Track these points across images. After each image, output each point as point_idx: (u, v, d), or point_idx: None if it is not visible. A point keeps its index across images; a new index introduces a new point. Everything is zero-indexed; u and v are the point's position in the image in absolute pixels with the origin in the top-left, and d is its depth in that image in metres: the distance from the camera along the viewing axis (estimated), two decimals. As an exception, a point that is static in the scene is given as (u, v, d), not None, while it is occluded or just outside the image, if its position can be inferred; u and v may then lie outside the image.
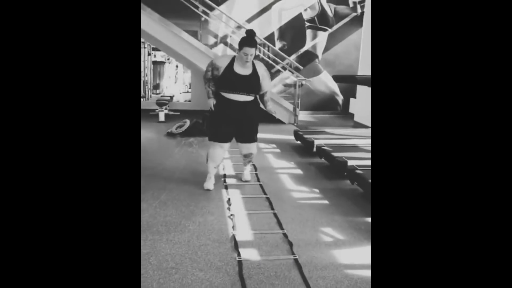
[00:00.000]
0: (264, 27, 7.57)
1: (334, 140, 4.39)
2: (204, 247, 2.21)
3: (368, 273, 1.99)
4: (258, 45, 2.90)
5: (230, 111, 2.98)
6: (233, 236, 2.34)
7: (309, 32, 7.74)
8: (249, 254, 2.14)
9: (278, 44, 7.60)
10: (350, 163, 3.42)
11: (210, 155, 3.14)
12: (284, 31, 7.66)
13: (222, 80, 2.91)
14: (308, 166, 4.03)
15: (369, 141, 4.42)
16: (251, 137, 3.18)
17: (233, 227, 2.48)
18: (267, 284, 1.85)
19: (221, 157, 3.14)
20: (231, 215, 2.66)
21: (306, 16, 7.68)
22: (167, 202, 2.86)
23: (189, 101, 8.39)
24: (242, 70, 2.90)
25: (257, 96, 3.09)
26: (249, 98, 2.98)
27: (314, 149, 4.19)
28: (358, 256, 2.16)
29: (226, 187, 3.26)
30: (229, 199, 2.97)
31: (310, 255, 2.15)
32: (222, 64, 2.91)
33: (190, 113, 6.97)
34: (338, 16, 7.74)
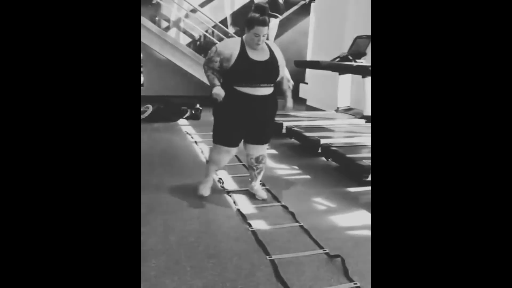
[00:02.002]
0: (217, 12, 7.58)
1: (301, 122, 4.68)
2: (214, 222, 2.34)
3: (366, 232, 2.30)
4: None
5: (247, 109, 2.43)
6: (238, 210, 2.50)
7: (260, 18, 7.92)
8: (258, 225, 2.32)
9: (232, 29, 7.68)
10: (323, 141, 3.74)
11: (213, 159, 2.63)
12: (237, 16, 7.75)
13: (237, 72, 2.37)
14: (280, 146, 4.27)
15: (332, 122, 4.80)
16: (266, 138, 2.63)
17: (234, 202, 2.63)
18: (285, 247, 2.06)
19: (226, 162, 2.65)
20: (228, 192, 2.81)
21: (257, 2, 7.83)
22: (160, 186, 2.90)
23: (141, 85, 8.13)
24: (258, 55, 2.39)
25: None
26: (270, 90, 2.47)
27: (284, 131, 4.44)
28: (353, 220, 2.46)
29: (212, 168, 3.38)
30: (220, 178, 3.09)
31: (312, 222, 2.39)
32: (233, 52, 2.36)
33: (144, 99, 6.79)
34: (288, 4, 8.01)
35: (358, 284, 1.74)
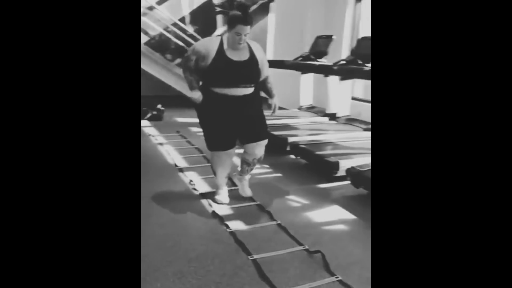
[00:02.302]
0: (175, 11, 7.42)
1: (267, 121, 4.69)
2: (191, 225, 2.30)
3: (341, 227, 2.36)
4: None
5: (227, 109, 2.35)
6: (214, 212, 2.47)
7: (220, 18, 7.87)
8: (236, 225, 2.30)
9: (191, 28, 7.56)
10: (291, 139, 3.79)
11: (216, 166, 2.55)
12: (196, 15, 7.64)
13: (213, 72, 2.28)
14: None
15: (296, 120, 4.87)
16: (262, 134, 2.53)
17: (210, 204, 2.59)
18: (265, 246, 2.07)
19: (230, 164, 2.58)
20: (202, 194, 2.76)
21: (216, 1, 7.77)
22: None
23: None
24: (237, 54, 2.30)
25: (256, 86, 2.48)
26: (249, 90, 2.38)
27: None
28: (327, 215, 2.52)
29: (181, 170, 3.30)
30: (191, 180, 3.04)
31: (288, 219, 2.42)
32: (210, 50, 2.27)
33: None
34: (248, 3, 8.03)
35: (340, 278, 1.79)
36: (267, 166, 3.55)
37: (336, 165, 3.04)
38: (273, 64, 6.24)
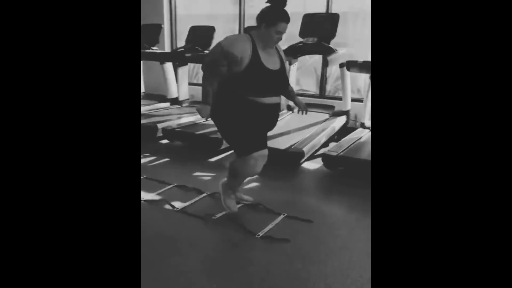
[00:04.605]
0: None
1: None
2: (167, 213, 2.43)
3: (254, 184, 2.99)
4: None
5: (264, 119, 2.20)
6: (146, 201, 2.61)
7: None
8: (178, 205, 2.56)
9: None
10: (161, 125, 4.00)
11: (247, 170, 2.24)
12: None
13: (249, 80, 2.04)
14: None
15: (146, 107, 4.95)
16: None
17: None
18: (214, 210, 2.47)
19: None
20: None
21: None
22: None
23: None
24: (271, 62, 2.10)
25: None
26: (280, 98, 2.29)
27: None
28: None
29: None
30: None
31: (211, 189, 2.81)
32: (244, 54, 2.00)
33: None
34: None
35: (286, 214, 2.45)
36: (147, 154, 3.63)
37: (220, 141, 3.57)
38: (149, 56, 5.95)
